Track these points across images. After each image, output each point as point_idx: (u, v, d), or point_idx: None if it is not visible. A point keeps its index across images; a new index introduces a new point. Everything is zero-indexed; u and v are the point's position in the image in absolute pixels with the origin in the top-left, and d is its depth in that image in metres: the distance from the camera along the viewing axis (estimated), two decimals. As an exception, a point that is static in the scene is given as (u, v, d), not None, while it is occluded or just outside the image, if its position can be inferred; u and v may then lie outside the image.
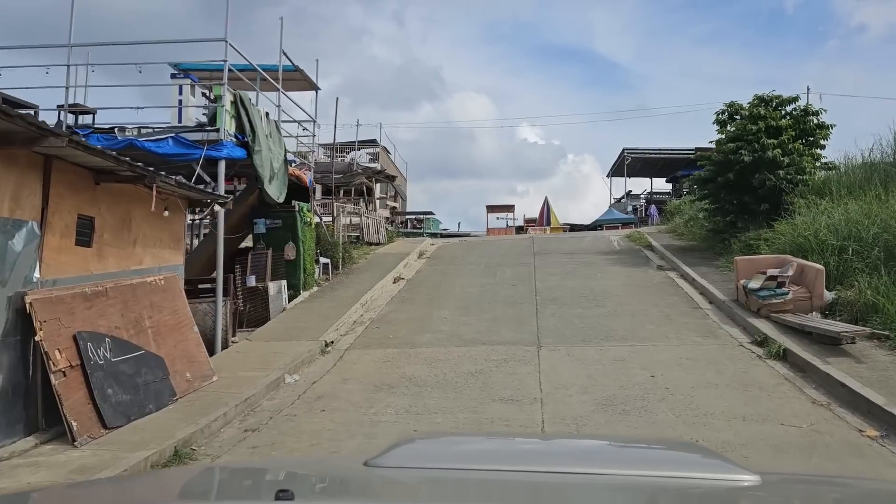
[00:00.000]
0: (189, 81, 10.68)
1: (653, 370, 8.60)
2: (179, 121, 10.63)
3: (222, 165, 10.28)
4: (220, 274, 10.18)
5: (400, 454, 1.82)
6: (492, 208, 35.45)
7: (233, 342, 10.55)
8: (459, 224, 45.24)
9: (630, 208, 43.60)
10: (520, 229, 34.12)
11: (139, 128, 10.43)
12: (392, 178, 24.90)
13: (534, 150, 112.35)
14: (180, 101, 10.61)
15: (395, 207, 25.96)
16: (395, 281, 15.60)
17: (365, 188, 23.49)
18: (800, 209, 13.69)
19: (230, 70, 12.49)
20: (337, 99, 20.96)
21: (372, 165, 23.99)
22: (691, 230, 19.31)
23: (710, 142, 16.82)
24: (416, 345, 10.38)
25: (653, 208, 36.44)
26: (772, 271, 11.05)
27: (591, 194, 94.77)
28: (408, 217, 43.89)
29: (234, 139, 10.79)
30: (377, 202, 25.01)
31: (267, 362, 9.21)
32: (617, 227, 31.57)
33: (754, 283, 11.00)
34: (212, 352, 10.01)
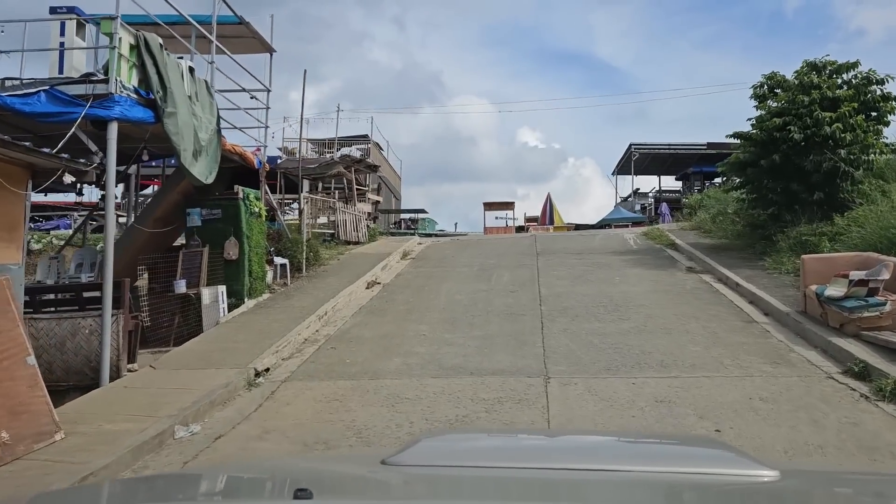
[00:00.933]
0: (74, 16, 7.90)
1: (716, 419, 5.83)
2: (60, 71, 7.86)
3: (113, 129, 7.51)
4: (108, 277, 7.40)
5: (417, 452, 1.79)
6: (490, 205, 32.46)
7: (129, 371, 7.76)
8: (456, 225, 42.70)
9: (638, 207, 40.81)
10: (520, 229, 31.25)
11: (4, 80, 7.66)
12: (374, 168, 22.06)
13: (534, 153, 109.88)
14: (62, 45, 7.84)
15: (377, 202, 23.11)
16: (369, 286, 12.82)
17: (346, 181, 20.69)
18: (871, 195, 10.93)
19: (155, 23, 9.78)
20: (304, 72, 18.03)
21: (354, 155, 21.16)
22: (721, 226, 16.52)
23: (749, 119, 14.07)
24: (378, 374, 7.60)
25: (664, 206, 33.64)
26: (856, 274, 8.27)
27: (591, 197, 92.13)
28: (401, 218, 41.19)
29: (136, 96, 8.02)
30: (368, 195, 22.22)
31: (158, 404, 6.42)
32: (627, 226, 28.79)
33: (834, 290, 8.21)
34: (93, 385, 7.24)
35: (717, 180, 41.10)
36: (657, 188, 44.27)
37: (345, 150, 39.49)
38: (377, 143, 43.00)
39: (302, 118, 15.02)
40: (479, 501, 1.48)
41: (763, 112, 13.51)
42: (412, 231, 37.43)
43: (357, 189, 20.49)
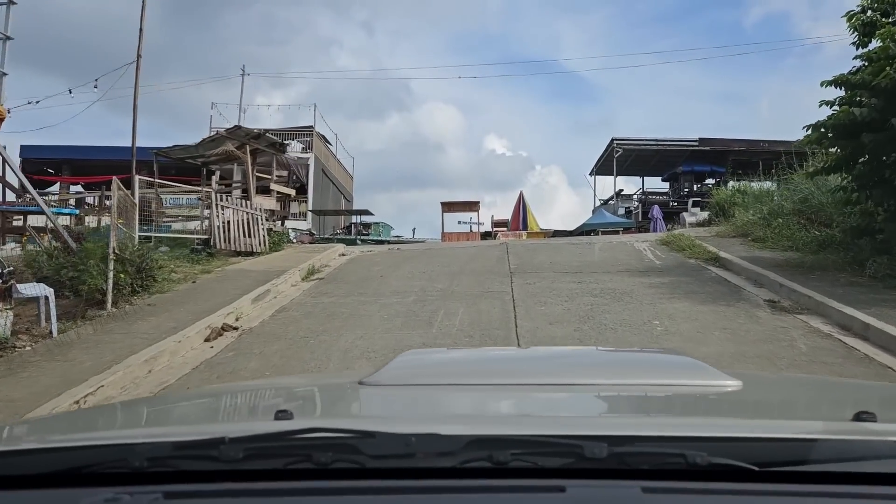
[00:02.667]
0: None
1: None
2: None
3: None
4: None
5: (394, 372, 1.81)
6: (449, 206, 26.40)
7: None
8: (414, 230, 36.79)
9: (622, 210, 35.62)
10: (486, 235, 25.64)
11: None
12: (281, 149, 15.72)
13: (501, 161, 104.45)
14: None
15: (287, 196, 17.17)
16: (212, 337, 7.08)
17: (251, 167, 14.80)
18: None
19: None
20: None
21: (250, 129, 15.12)
22: (781, 232, 11.16)
23: (856, 56, 8.74)
24: None
25: (655, 209, 28.34)
26: None
27: (558, 205, 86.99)
28: (352, 221, 35.33)
29: None
30: (271, 187, 16.27)
31: None
32: (617, 232, 23.54)
33: None
34: None
35: (710, 181, 36.49)
36: (641, 189, 39.21)
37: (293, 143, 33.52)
38: (323, 136, 37.23)
39: (140, 46, 9.15)
40: (454, 416, 1.48)
41: (888, 42, 8.13)
42: (365, 236, 31.74)
43: (260, 178, 14.67)
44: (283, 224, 15.80)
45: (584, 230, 28.67)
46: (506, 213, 29.69)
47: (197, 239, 11.85)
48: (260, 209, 13.24)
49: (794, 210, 11.74)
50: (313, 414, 1.64)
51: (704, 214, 23.32)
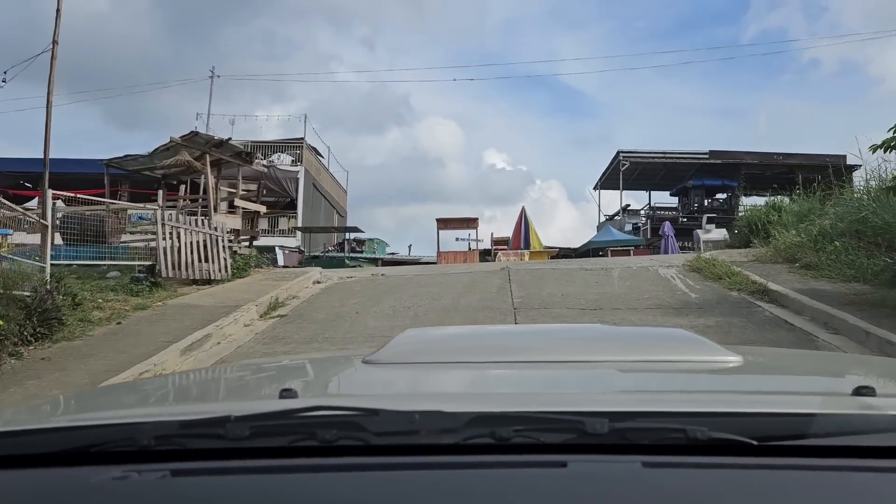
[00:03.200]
0: None
1: None
2: None
3: None
4: None
5: (397, 350, 1.83)
6: (445, 223, 24.33)
7: None
8: (410, 247, 34.98)
9: (629, 226, 33.72)
10: (485, 253, 23.72)
11: None
12: (248, 159, 13.65)
13: (501, 175, 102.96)
14: None
15: (257, 213, 15.19)
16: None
17: (212, 179, 12.93)
18: None
19: None
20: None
21: (209, 135, 13.16)
22: (838, 258, 9.27)
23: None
24: None
25: (667, 226, 26.38)
26: None
27: (558, 220, 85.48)
28: (345, 238, 33.56)
29: None
30: (236, 203, 14.34)
31: None
32: (629, 252, 21.69)
33: None
34: None
35: (721, 196, 34.72)
36: (649, 204, 37.37)
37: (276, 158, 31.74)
38: (314, 148, 35.50)
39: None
40: (456, 394, 1.47)
41: None
42: (358, 253, 29.91)
43: (226, 192, 12.80)
44: (250, 245, 13.87)
45: (590, 248, 26.80)
46: (506, 229, 27.82)
47: (139, 265, 9.97)
48: (222, 229, 11.36)
49: (848, 231, 9.87)
50: (317, 392, 1.64)
51: (721, 232, 21.53)
